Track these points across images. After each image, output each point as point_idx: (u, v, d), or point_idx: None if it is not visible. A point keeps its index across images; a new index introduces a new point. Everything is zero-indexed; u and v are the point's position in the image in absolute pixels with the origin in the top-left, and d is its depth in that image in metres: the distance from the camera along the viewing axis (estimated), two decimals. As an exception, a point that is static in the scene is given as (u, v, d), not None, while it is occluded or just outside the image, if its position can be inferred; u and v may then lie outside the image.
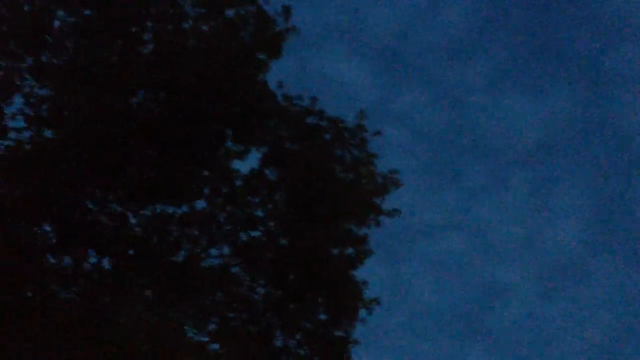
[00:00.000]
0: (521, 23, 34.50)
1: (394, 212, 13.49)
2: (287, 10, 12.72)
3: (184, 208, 13.17)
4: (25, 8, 12.95)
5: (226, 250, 13.43)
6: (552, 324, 34.75)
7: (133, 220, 13.09)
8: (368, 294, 13.53)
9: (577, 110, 34.48)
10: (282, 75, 14.87)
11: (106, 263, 13.04)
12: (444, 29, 33.94)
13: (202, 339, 13.30)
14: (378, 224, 13.44)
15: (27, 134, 12.57)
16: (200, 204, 13.35)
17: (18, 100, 13.40)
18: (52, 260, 13.01)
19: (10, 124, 12.82)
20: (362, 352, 13.94)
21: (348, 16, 32.87)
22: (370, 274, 13.08)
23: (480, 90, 35.14)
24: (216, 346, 13.22)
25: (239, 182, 13.44)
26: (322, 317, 13.38)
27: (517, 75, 34.59)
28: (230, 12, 12.77)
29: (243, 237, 13.39)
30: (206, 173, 13.11)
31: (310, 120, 13.45)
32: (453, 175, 35.33)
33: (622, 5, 32.39)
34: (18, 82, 12.51)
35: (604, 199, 34.67)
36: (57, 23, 12.68)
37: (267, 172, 13.48)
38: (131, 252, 13.18)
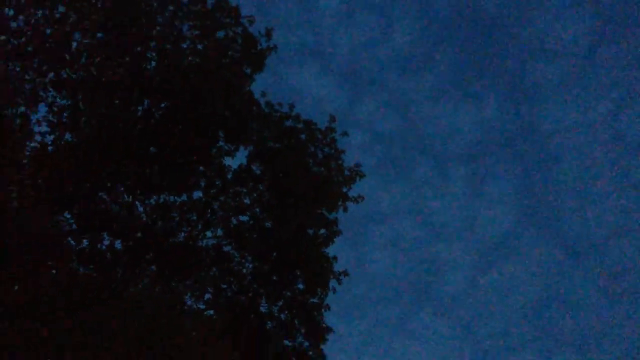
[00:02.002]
0: (459, 44, 38.36)
1: (358, 198, 14.15)
2: (268, 32, 13.30)
3: (184, 197, 13.57)
4: (48, 31, 14.19)
5: (219, 232, 13.90)
6: (487, 291, 38.14)
7: (140, 208, 13.47)
8: (337, 267, 14.33)
9: (504, 117, 38.54)
10: (264, 86, 15.98)
11: (118, 244, 13.49)
12: (396, 48, 37.60)
13: (199, 306, 13.86)
14: (345, 209, 14.10)
15: (49, 138, 13.04)
16: (197, 194, 13.75)
17: (42, 109, 14.43)
18: (72, 243, 13.37)
19: (36, 128, 14.18)
20: (332, 315, 15.15)
21: (316, 37, 35.96)
22: (339, 251, 14.24)
23: (426, 99, 39.06)
24: (211, 312, 13.76)
25: (229, 176, 13.89)
26: (300, 286, 13.90)
27: (455, 87, 38.72)
28: (220, 33, 13.13)
29: (234, 221, 13.89)
30: (202, 168, 13.56)
31: (288, 123, 14.06)
32: (404, 170, 38.63)
33: (540, 31, 35.92)
34: (42, 94, 12.97)
35: (528, 188, 38.58)
36: (74, 44, 13.20)
37: (253, 167, 14.00)
38: (139, 234, 13.48)
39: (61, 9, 12.96)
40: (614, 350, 32.60)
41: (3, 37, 12.95)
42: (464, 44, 37.81)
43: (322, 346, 13.90)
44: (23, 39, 13.04)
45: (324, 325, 14.07)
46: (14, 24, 13.07)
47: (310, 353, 13.77)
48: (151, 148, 13.18)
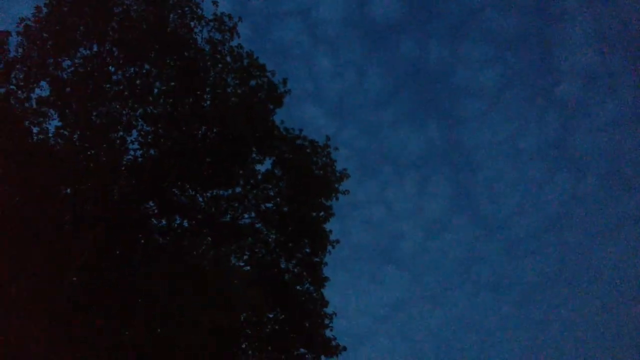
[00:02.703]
0: (411, 89, 54.32)
1: (345, 192, 17.30)
2: (284, 81, 16.73)
3: (229, 191, 16.95)
4: (137, 82, 16.71)
5: (253, 214, 17.12)
6: (430, 253, 53.59)
7: (200, 199, 17.00)
8: (332, 237, 17.23)
9: (441, 137, 53.75)
10: (282, 117, 19.70)
11: (185, 223, 16.95)
12: (368, 92, 53.41)
13: (240, 264, 16.92)
14: (337, 198, 17.18)
15: (139, 152, 16.65)
16: (238, 189, 17.10)
17: (135, 133, 16.68)
18: (155, 222, 16.79)
19: (130, 146, 16.85)
20: (328, 269, 18.72)
21: (315, 85, 51.53)
22: (332, 226, 18.32)
23: (389, 126, 54.32)
24: (248, 268, 16.85)
25: (259, 177, 17.14)
26: (307, 250, 17.07)
27: (408, 118, 54.34)
28: (252, 82, 16.66)
29: (263, 206, 17.04)
30: (241, 172, 16.85)
31: (298, 142, 17.03)
32: (374, 173, 53.58)
33: (464, 78, 50.88)
34: (134, 122, 16.60)
35: (457, 185, 53.93)
36: (155, 90, 16.65)
37: (275, 170, 17.15)
38: (199, 216, 16.90)
39: (147, 66, 17.73)
40: (513, 288, 50.35)
41: (108, 86, 17.78)
42: (414, 88, 54.41)
43: (322, 290, 17.26)
44: (121, 87, 17.81)
45: (323, 276, 17.16)
46: (114, 77, 17.84)
47: (314, 294, 17.13)
48: (207, 158, 16.84)
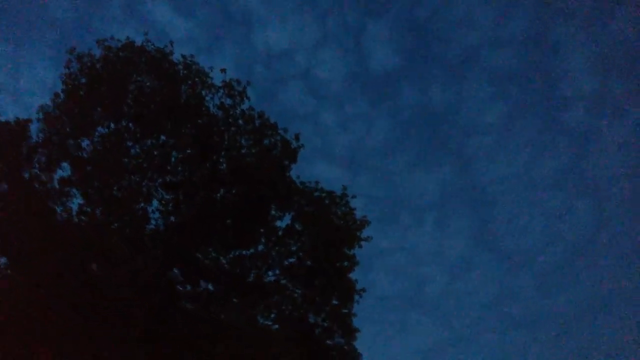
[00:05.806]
0: (419, 133, 53.57)
1: (368, 238, 16.69)
2: (297, 136, 16.52)
3: (252, 250, 16.51)
4: (155, 152, 17.99)
5: (277, 271, 16.56)
6: (456, 295, 50.45)
7: (224, 261, 16.56)
8: (358, 286, 16.62)
9: (455, 177, 52.75)
10: (297, 171, 19.62)
11: (211, 286, 16.45)
12: (377, 141, 52.40)
13: (268, 323, 16.37)
14: (361, 246, 16.57)
15: (161, 222, 16.29)
16: (260, 247, 16.64)
17: (155, 203, 16.39)
18: (180, 288, 16.30)
19: (152, 215, 16.44)
20: (357, 321, 18.06)
21: (322, 141, 52.11)
22: (357, 275, 17.60)
23: (401, 171, 53.40)
24: (276, 326, 16.24)
25: (280, 233, 16.67)
26: (335, 302, 16.43)
27: (420, 161, 53.69)
28: (266, 141, 16.52)
29: (286, 262, 16.51)
30: (262, 230, 16.44)
31: (316, 194, 16.70)
32: (392, 220, 53.09)
33: (471, 116, 50.46)
34: (154, 192, 16.37)
35: (475, 223, 52.50)
36: (173, 158, 16.50)
37: (296, 225, 16.74)
38: (224, 278, 16.44)
39: (163, 137, 17.73)
40: (547, 322, 47.39)
41: (127, 160, 17.71)
42: (422, 132, 54.55)
43: (353, 342, 16.53)
44: (139, 159, 17.76)
45: (353, 327, 16.54)
46: (132, 151, 17.81)
47: (345, 347, 16.46)
48: (227, 220, 16.44)
